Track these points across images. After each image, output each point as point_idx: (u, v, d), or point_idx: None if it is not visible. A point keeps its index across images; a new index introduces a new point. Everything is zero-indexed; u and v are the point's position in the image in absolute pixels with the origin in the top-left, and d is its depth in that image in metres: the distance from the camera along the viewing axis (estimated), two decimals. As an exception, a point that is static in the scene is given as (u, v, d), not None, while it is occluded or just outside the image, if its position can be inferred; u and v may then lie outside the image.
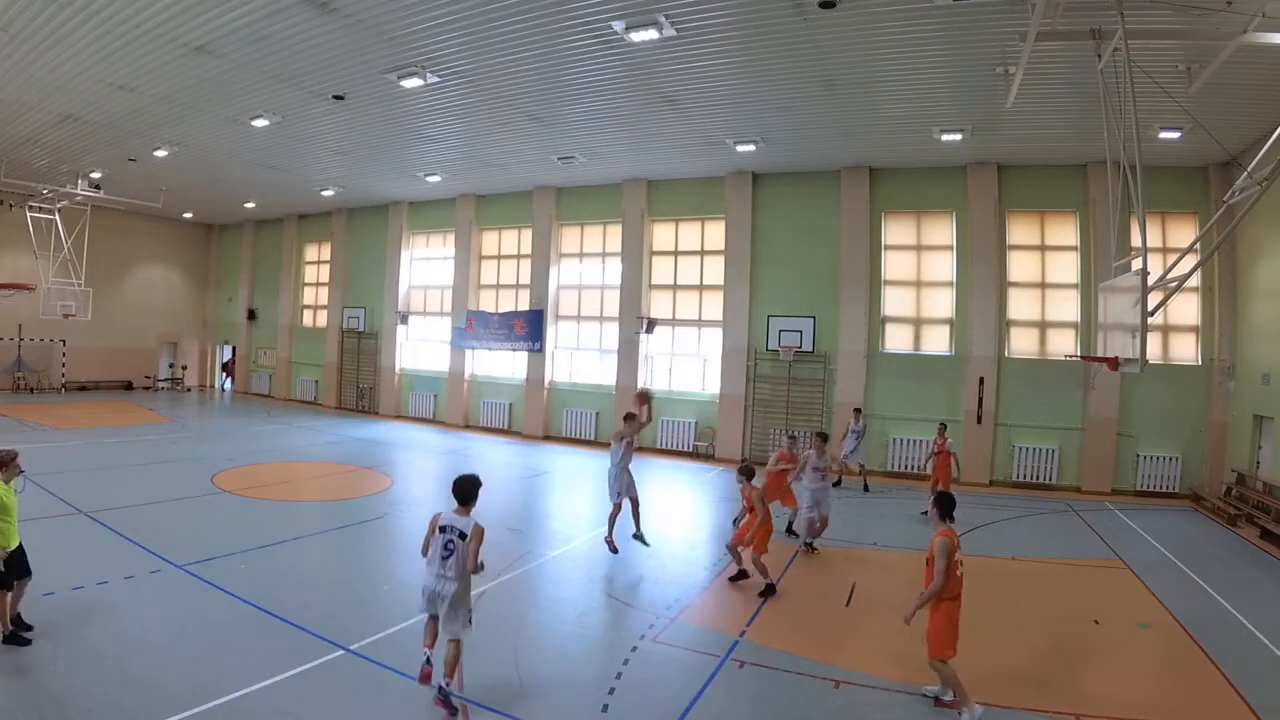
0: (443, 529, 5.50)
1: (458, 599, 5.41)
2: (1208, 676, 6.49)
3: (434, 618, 5.51)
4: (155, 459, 14.96)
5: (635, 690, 5.81)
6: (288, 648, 6.17)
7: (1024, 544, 11.21)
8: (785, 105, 13.41)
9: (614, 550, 9.43)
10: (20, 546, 6.09)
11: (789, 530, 10.89)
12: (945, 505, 5.89)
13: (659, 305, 19.92)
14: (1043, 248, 16.51)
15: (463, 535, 5.41)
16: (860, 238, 17.23)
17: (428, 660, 5.43)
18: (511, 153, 17.83)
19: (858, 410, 15.58)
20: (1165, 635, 7.45)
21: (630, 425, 9.50)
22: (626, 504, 9.47)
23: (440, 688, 5.31)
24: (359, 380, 26.04)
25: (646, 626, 7.18)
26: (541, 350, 21.07)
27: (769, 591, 8.22)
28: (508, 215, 22.52)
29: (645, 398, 10.00)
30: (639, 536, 9.62)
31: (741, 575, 8.63)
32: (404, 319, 24.87)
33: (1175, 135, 12.89)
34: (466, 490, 5.53)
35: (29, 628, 6.08)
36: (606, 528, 9.57)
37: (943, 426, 13.36)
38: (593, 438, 20.25)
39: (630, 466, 9.42)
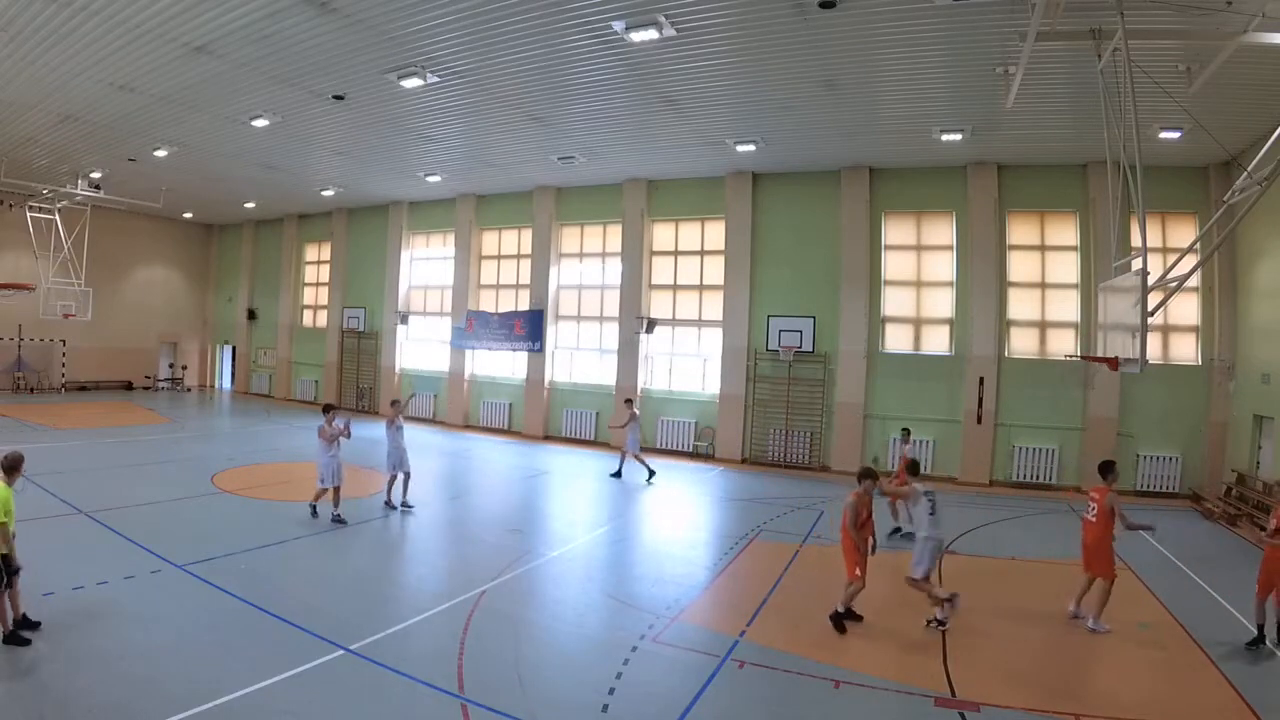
0: None
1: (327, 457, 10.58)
2: (1208, 676, 6.49)
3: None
4: (155, 459, 14.96)
5: (635, 690, 5.81)
6: (288, 648, 6.17)
7: (1024, 544, 11.21)
8: (785, 105, 13.41)
9: (391, 507, 11.51)
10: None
11: None
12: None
13: (659, 305, 19.91)
14: (1043, 248, 16.51)
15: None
16: (860, 238, 17.23)
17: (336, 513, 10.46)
18: (511, 153, 17.82)
19: (629, 400, 16.43)
20: (1165, 635, 7.44)
21: (396, 409, 11.96)
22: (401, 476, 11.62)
23: (338, 515, 10.37)
24: (359, 380, 26.04)
25: (646, 626, 7.17)
26: (541, 350, 21.07)
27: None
28: (508, 215, 22.52)
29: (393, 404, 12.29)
30: (405, 505, 11.53)
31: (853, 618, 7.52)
32: (404, 319, 24.86)
33: (1175, 135, 12.88)
34: (325, 408, 10.95)
35: (36, 625, 6.08)
36: (386, 492, 11.68)
37: (906, 431, 11.82)
38: (593, 438, 20.26)
39: (403, 444, 11.54)
